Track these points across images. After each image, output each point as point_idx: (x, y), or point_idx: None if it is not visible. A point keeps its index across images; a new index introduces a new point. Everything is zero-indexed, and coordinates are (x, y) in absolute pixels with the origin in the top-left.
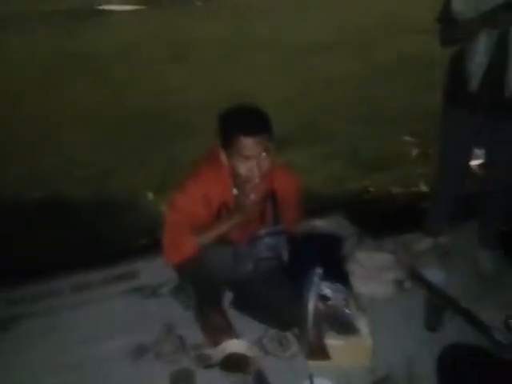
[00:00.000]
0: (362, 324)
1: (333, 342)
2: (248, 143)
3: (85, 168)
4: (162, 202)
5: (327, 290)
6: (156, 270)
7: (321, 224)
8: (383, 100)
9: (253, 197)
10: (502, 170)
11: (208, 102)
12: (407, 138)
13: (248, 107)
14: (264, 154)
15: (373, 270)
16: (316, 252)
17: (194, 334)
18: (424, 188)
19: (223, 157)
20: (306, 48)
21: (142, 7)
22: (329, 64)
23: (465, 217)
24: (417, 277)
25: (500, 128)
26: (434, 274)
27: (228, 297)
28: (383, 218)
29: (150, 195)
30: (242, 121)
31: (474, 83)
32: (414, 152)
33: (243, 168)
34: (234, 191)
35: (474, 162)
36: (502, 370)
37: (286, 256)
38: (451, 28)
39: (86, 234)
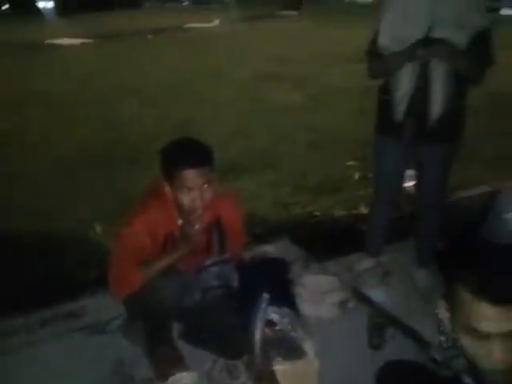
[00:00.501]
0: (309, 347)
1: (280, 367)
2: (190, 175)
3: (32, 202)
4: (111, 236)
5: (274, 315)
6: (104, 306)
7: (269, 249)
8: (327, 127)
9: (197, 226)
10: (431, 192)
11: (159, 133)
12: (350, 163)
13: (190, 140)
14: (206, 185)
15: (318, 293)
16: (264, 277)
17: (143, 368)
18: (365, 210)
19: (167, 189)
20: (253, 78)
21: (93, 40)
22: (275, 93)
23: (403, 236)
24: (359, 296)
25: (426, 153)
26: (376, 293)
27: (177, 328)
28: (327, 241)
29: (99, 229)
30: (183, 154)
31: (400, 113)
32: (356, 176)
33: (186, 199)
34: (179, 222)
35: (409, 184)
36: None
37: (235, 283)
38: (378, 62)
39: (33, 271)
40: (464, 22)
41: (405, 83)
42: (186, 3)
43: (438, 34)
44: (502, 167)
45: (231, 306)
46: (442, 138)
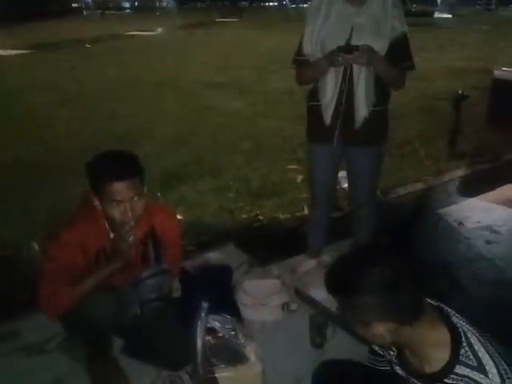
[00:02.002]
0: (251, 352)
1: (223, 374)
2: (118, 188)
3: None
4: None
5: (215, 322)
6: (41, 325)
7: (213, 256)
8: (269, 132)
9: (130, 240)
10: (362, 192)
11: (99, 144)
12: (292, 167)
13: (117, 152)
14: (136, 198)
15: (260, 297)
16: (206, 286)
17: None
18: (308, 212)
19: (96, 202)
20: (196, 86)
21: (29, 51)
22: (218, 100)
23: (343, 235)
24: (301, 297)
25: (354, 155)
26: (317, 293)
27: (118, 343)
28: (272, 244)
29: (35, 246)
30: (111, 166)
31: (328, 117)
32: (299, 178)
33: (116, 212)
34: (111, 235)
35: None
36: (378, 381)
37: (175, 294)
38: (304, 68)
39: None
40: (383, 28)
41: (330, 88)
42: (127, 11)
43: (358, 40)
44: (434, 166)
45: (172, 317)
46: (368, 140)
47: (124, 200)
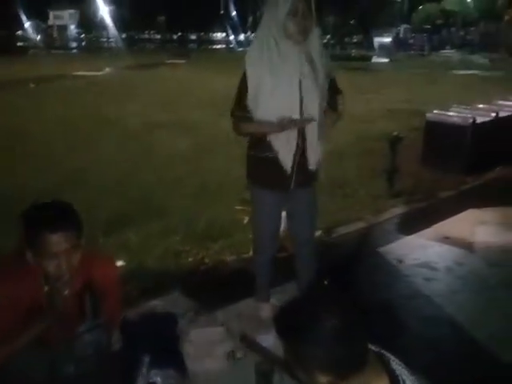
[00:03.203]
0: None
1: None
2: (53, 240)
3: None
4: None
5: (157, 378)
6: None
7: (157, 303)
8: (215, 173)
9: (66, 293)
10: (306, 232)
11: (39, 187)
12: (238, 207)
13: (52, 202)
14: (72, 250)
15: (205, 346)
16: (149, 336)
17: None
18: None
19: (29, 255)
20: (142, 126)
21: None
22: (164, 141)
23: (289, 278)
24: (248, 344)
25: (300, 196)
26: (264, 339)
27: None
28: (218, 288)
29: None
30: (45, 217)
31: (288, 167)
32: (245, 219)
33: (51, 265)
34: (45, 288)
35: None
36: None
37: (115, 348)
38: (247, 125)
39: None
40: (322, 80)
41: (286, 143)
42: (74, 51)
43: (308, 102)
44: (374, 205)
45: (110, 373)
46: (311, 181)
47: (59, 253)
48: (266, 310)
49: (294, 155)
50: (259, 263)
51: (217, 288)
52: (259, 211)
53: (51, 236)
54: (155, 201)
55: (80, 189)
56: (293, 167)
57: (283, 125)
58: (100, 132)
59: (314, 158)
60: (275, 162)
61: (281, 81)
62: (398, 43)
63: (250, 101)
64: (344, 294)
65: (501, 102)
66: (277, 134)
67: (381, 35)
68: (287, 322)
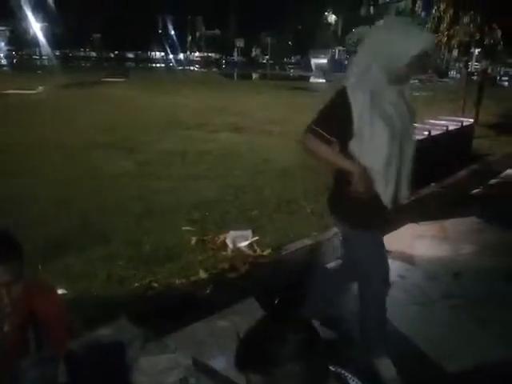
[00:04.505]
0: None
1: None
2: None
3: None
4: None
5: None
6: None
7: (104, 332)
8: (159, 194)
9: (6, 328)
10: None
11: None
12: (185, 228)
13: None
14: (13, 282)
15: (157, 374)
16: (96, 367)
17: None
18: (203, 275)
19: None
20: (82, 147)
21: None
22: (104, 161)
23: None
24: (200, 369)
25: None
26: (217, 362)
27: None
28: (167, 313)
29: None
30: None
31: (388, 201)
32: (193, 240)
33: None
34: None
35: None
36: None
37: (61, 380)
38: (328, 149)
39: None
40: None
41: (388, 182)
42: (4, 68)
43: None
44: (320, 222)
45: None
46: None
47: None
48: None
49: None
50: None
51: (166, 313)
52: (367, 252)
53: None
54: (97, 225)
55: (15, 214)
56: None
57: (365, 173)
58: (36, 153)
59: (404, 192)
60: (378, 200)
61: (383, 120)
62: (334, 64)
63: (349, 131)
64: (297, 314)
65: (433, 121)
66: (379, 171)
67: (317, 56)
68: (248, 353)
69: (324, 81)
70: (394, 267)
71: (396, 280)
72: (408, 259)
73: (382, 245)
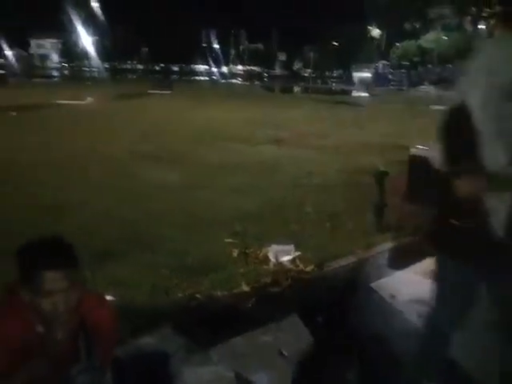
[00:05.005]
0: None
1: None
2: (50, 278)
3: None
4: None
5: None
6: None
7: (148, 341)
8: (203, 205)
9: (60, 335)
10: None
11: (23, 218)
12: (228, 240)
13: (49, 239)
14: (69, 289)
15: None
16: (140, 376)
17: None
18: (246, 288)
19: (23, 292)
20: (127, 157)
21: None
22: (151, 172)
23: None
24: (243, 383)
25: None
26: (260, 378)
27: None
28: (210, 325)
29: None
30: (42, 254)
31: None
32: (235, 253)
33: (47, 304)
34: (39, 329)
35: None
36: None
37: None
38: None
39: None
40: None
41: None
42: (55, 79)
43: None
44: (364, 239)
45: None
46: None
47: (56, 291)
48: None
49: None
50: None
51: (209, 325)
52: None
53: (49, 273)
54: (143, 233)
55: (64, 222)
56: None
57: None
58: (85, 162)
59: None
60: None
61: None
62: (377, 78)
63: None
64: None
65: None
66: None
67: (360, 70)
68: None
69: (367, 95)
70: None
71: None
72: None
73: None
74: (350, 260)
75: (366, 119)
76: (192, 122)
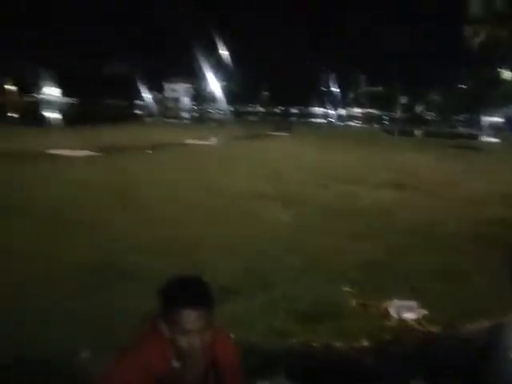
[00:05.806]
0: None
1: None
2: (190, 317)
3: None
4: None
5: None
6: None
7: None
8: (317, 249)
9: (195, 371)
10: None
11: (147, 244)
12: (346, 288)
13: (191, 278)
14: (206, 328)
15: None
16: None
17: None
18: (366, 343)
19: (164, 329)
20: (246, 196)
21: (96, 154)
22: (266, 212)
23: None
24: None
25: None
26: None
27: None
28: (327, 376)
29: (86, 356)
30: (184, 293)
31: None
32: (353, 303)
33: (184, 341)
34: (175, 364)
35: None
36: None
37: None
38: None
39: None
40: None
41: None
42: (185, 121)
43: None
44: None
45: None
46: None
47: (195, 330)
48: None
49: None
50: None
51: (324, 375)
52: None
53: (189, 312)
54: (259, 272)
55: (181, 258)
56: None
57: None
58: (204, 199)
59: None
60: None
61: None
62: (509, 123)
63: None
64: None
65: None
66: None
67: (490, 114)
68: None
69: (497, 140)
70: None
71: None
72: None
73: None
74: (483, 323)
75: (498, 166)
76: (310, 163)
